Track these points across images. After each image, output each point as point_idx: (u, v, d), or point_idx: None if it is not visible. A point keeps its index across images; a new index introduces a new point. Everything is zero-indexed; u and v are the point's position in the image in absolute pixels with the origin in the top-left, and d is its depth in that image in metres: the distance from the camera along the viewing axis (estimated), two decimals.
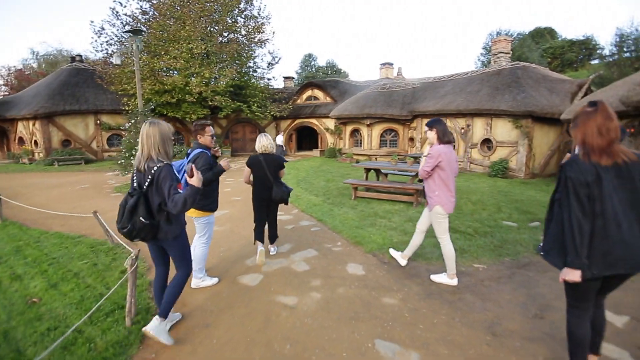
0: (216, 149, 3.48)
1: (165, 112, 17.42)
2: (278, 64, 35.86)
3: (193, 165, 2.32)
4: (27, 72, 25.73)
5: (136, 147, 9.33)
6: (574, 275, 1.82)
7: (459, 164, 12.93)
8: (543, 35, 28.29)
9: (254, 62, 20.29)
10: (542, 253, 2.04)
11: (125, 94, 16.89)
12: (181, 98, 16.56)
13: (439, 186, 3.29)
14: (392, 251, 3.96)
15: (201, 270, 3.50)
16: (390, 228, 5.27)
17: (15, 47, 54.46)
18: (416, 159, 9.96)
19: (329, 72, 38.47)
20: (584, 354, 2.01)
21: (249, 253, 4.44)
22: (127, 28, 16.47)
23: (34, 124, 16.49)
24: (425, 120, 15.06)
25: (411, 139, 15.95)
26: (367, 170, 7.96)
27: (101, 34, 16.62)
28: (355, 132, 17.38)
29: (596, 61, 25.02)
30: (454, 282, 3.40)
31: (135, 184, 2.43)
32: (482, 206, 6.74)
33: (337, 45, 79.48)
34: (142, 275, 3.73)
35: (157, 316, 2.53)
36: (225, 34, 18.44)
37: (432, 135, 3.33)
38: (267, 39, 19.71)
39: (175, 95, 16.37)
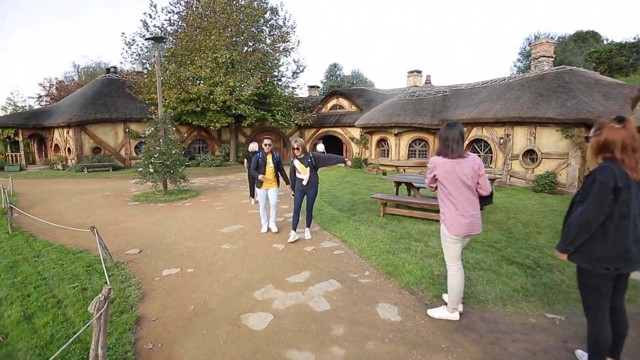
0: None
1: (190, 121, 17.51)
2: (303, 73, 35.86)
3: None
4: (66, 84, 27.22)
5: (155, 155, 9.14)
6: (562, 256, 2.14)
7: (497, 177, 11.79)
8: (586, 39, 26.22)
9: (279, 71, 20.12)
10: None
11: (153, 102, 17.13)
12: (206, 107, 16.55)
13: (443, 202, 2.86)
14: (432, 312, 3.00)
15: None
16: (429, 255, 4.42)
17: (60, 60, 58.71)
18: None
19: (355, 82, 37.98)
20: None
21: (259, 281, 3.77)
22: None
23: (68, 132, 17.03)
24: None
25: None
26: (398, 183, 7.13)
27: (131, 45, 17.05)
28: (382, 142, 16.54)
29: None
30: (455, 316, 2.92)
31: (309, 160, 5.11)
32: (536, 229, 5.70)
33: (363, 54, 79.20)
34: (131, 308, 3.14)
35: (306, 228, 5.48)
36: (251, 44, 18.40)
37: None
38: (292, 48, 19.50)
39: (200, 104, 16.38)
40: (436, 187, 2.89)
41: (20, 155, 18.14)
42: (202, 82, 16.88)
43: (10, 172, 15.85)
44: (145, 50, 17.31)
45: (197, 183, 12.38)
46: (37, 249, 4.92)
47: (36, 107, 24.61)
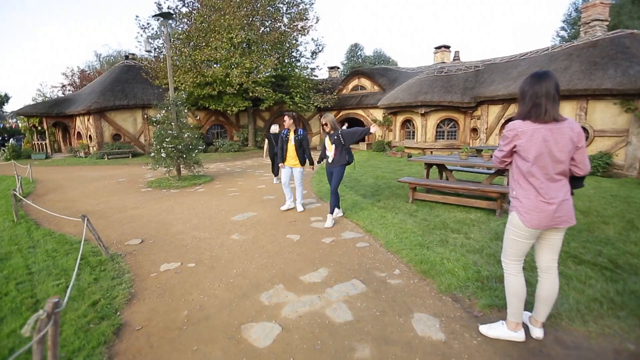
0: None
1: (207, 105, 17.14)
2: (322, 53, 34.81)
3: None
4: (88, 72, 27.66)
5: (167, 140, 8.74)
6: None
7: None
8: None
9: (297, 51, 19.22)
10: None
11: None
12: (222, 90, 16.06)
13: (518, 183, 2.08)
14: (486, 329, 2.27)
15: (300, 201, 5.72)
16: (471, 249, 3.66)
17: (83, 49, 60.37)
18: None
19: (377, 62, 36.34)
20: None
21: (268, 280, 3.18)
22: (170, 21, 16.30)
23: (88, 119, 17.14)
24: (493, 108, 12.79)
25: (474, 130, 13.67)
26: (428, 166, 6.31)
27: (146, 28, 16.70)
28: (407, 123, 15.47)
29: None
30: (519, 336, 2.17)
31: (336, 137, 4.72)
32: (599, 218, 4.76)
33: (385, 33, 75.75)
34: (115, 312, 2.64)
35: (329, 214, 4.88)
36: (267, 23, 17.56)
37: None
38: (311, 26, 18.46)
39: (216, 87, 15.91)
40: (509, 162, 2.12)
41: (45, 144, 18.56)
42: (217, 64, 16.35)
43: (35, 160, 16.23)
44: (161, 33, 16.91)
45: (214, 168, 12.02)
46: (35, 239, 4.59)
47: (60, 96, 25.29)
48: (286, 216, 5.43)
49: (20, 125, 21.76)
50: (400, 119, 15.57)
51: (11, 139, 26.69)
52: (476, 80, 14.07)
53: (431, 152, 14.11)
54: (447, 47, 21.87)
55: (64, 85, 27.21)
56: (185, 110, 9.30)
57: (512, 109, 11.97)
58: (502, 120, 12.33)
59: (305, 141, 5.36)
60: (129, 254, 4.03)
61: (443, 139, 14.38)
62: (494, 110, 12.69)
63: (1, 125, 28.80)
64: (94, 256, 3.86)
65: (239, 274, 3.35)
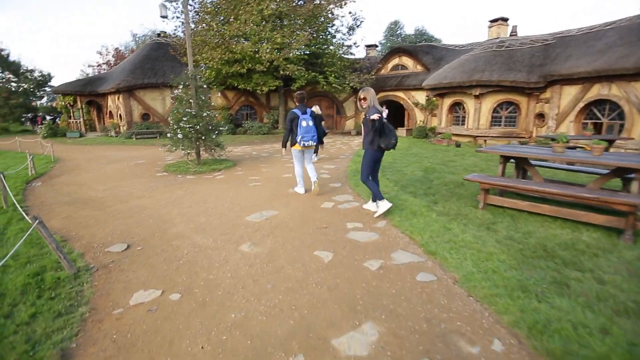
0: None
1: (236, 84, 16.15)
2: (360, 28, 32.18)
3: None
4: (121, 51, 27.75)
5: (184, 119, 7.76)
6: None
7: (632, 151, 8.44)
8: None
9: (333, 25, 17.51)
10: None
11: (197, 65, 15.99)
12: (251, 68, 14.94)
13: None
14: None
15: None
16: (620, 307, 2.19)
17: (122, 30, 62.32)
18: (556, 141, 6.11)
19: (418, 41, 33.42)
20: None
21: (281, 344, 1.97)
22: None
23: (118, 98, 16.86)
24: (568, 89, 10.42)
25: (539, 116, 11.50)
26: (505, 159, 4.73)
27: (174, 1, 15.81)
28: (455, 107, 13.49)
29: None
30: None
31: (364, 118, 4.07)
32: None
33: (427, 8, 70.27)
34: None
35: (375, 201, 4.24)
36: None
37: None
38: None
39: (245, 64, 14.80)
40: None
41: (80, 122, 18.67)
42: (247, 40, 15.21)
43: (69, 139, 16.29)
44: (190, 7, 15.98)
45: (239, 152, 11.05)
46: (6, 237, 3.74)
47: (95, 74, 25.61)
48: (314, 218, 4.20)
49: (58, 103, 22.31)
50: (448, 101, 13.60)
51: (56, 118, 27.76)
52: (546, 55, 11.76)
53: (485, 140, 12.15)
54: (505, 19, 18.98)
55: (99, 64, 27.64)
56: (204, 86, 8.22)
57: (596, 90, 9.72)
58: (581, 104, 10.12)
59: (295, 119, 5.04)
60: (104, 267, 3.01)
61: (499, 125, 12.31)
62: (570, 91, 10.46)
63: (43, 104, 30.00)
64: (55, 270, 2.86)
65: (238, 324, 2.16)
